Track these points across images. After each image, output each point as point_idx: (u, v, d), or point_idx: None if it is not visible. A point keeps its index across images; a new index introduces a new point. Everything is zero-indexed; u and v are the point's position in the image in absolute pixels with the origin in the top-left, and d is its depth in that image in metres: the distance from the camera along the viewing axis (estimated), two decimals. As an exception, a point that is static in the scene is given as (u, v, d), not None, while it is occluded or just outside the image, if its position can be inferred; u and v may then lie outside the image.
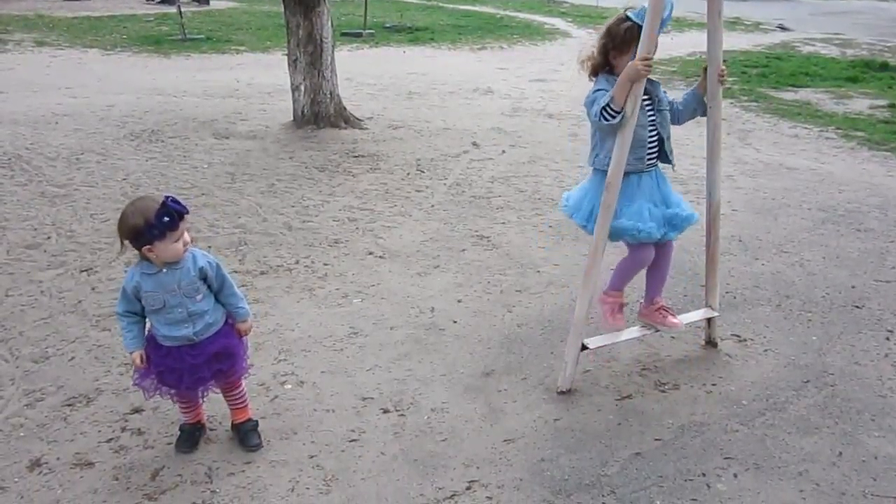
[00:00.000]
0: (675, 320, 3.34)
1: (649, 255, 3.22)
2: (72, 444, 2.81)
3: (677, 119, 3.20)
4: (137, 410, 2.99)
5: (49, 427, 2.91)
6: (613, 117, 2.85)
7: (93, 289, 4.03)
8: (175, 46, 13.04)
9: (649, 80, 2.98)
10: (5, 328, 3.61)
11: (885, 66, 12.08)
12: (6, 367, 3.29)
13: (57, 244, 4.58)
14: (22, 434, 2.87)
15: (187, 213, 2.44)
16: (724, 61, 3.10)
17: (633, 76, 2.78)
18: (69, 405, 3.05)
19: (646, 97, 2.99)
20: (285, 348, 3.51)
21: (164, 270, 2.47)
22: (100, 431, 2.87)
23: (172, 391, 2.67)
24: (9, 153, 6.30)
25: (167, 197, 2.39)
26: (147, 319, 2.58)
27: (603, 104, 2.86)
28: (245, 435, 2.80)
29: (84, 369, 3.28)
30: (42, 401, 3.07)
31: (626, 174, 2.99)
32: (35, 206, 5.16)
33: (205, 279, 2.56)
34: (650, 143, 3.07)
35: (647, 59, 2.75)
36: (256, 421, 2.86)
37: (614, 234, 3.08)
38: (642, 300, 3.49)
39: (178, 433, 2.80)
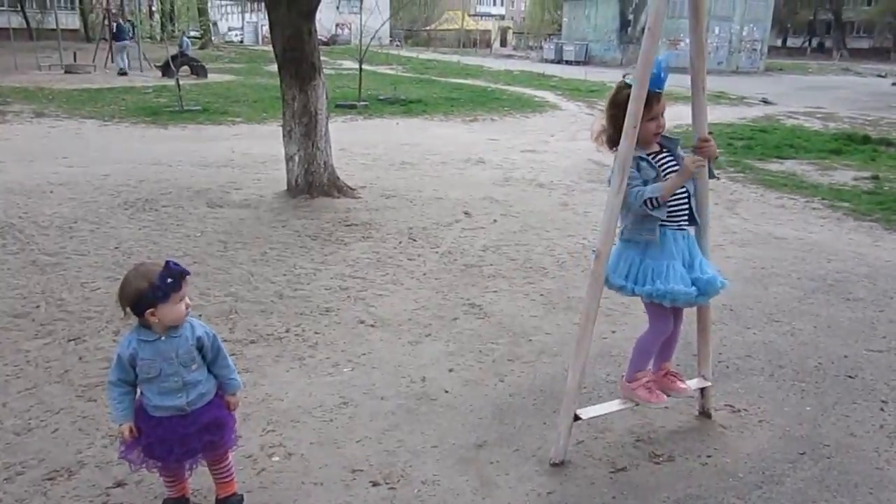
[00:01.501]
0: (683, 385, 3.32)
1: (670, 324, 3.22)
2: (51, 519, 2.73)
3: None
4: (120, 484, 2.92)
5: (28, 502, 2.83)
6: (657, 207, 2.97)
7: (80, 358, 3.98)
8: (172, 117, 13.28)
9: (666, 137, 3.07)
10: (-11, 399, 3.55)
11: (866, 139, 12.40)
12: (-13, 439, 3.22)
13: (46, 313, 4.55)
14: (0, 509, 2.78)
15: (188, 273, 2.47)
16: (710, 133, 3.17)
17: (686, 174, 2.99)
18: (50, 479, 2.96)
19: (667, 155, 3.06)
20: (274, 419, 3.45)
21: (163, 338, 2.47)
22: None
23: (159, 464, 2.61)
24: (1, 222, 6.32)
25: (168, 261, 2.43)
26: (137, 389, 2.54)
27: (649, 196, 2.95)
28: None
29: (67, 441, 3.21)
30: (22, 474, 2.99)
31: (664, 233, 3.03)
32: (25, 275, 5.15)
33: (201, 349, 2.55)
34: (682, 200, 3.09)
35: (699, 161, 3.00)
36: (242, 496, 2.79)
37: (657, 297, 3.02)
38: (623, 375, 3.43)
39: None
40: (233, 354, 3.99)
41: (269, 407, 3.55)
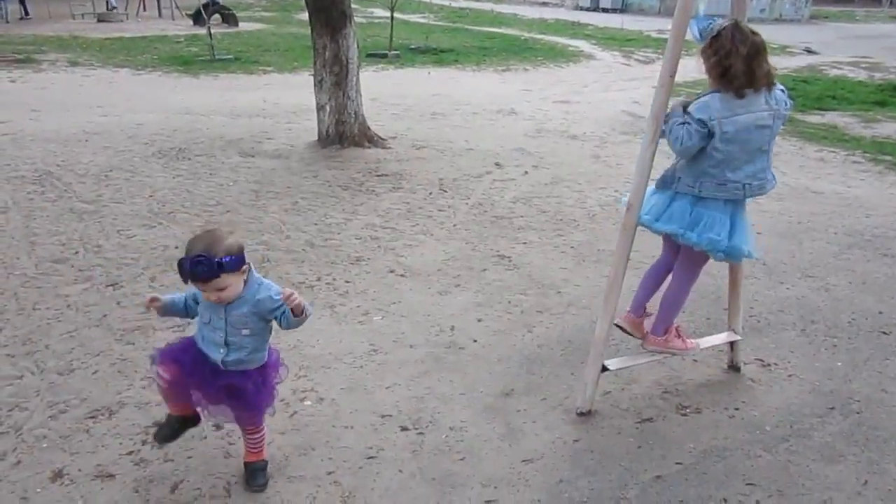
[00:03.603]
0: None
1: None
2: (93, 455, 2.84)
3: None
4: (159, 424, 3.01)
5: (72, 439, 2.94)
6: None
7: (118, 303, 4.09)
8: (204, 67, 13.28)
9: None
10: (32, 341, 3.67)
11: (913, 91, 11.96)
12: (32, 380, 3.34)
13: (84, 259, 4.66)
14: (45, 445, 2.90)
15: (203, 279, 2.33)
16: None
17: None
18: (92, 418, 3.08)
19: None
20: (305, 364, 3.52)
21: None
22: (121, 444, 2.90)
23: (168, 379, 2.55)
24: (40, 170, 6.43)
25: (193, 259, 2.31)
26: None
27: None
28: (252, 473, 2.70)
29: (107, 382, 3.32)
30: (66, 413, 3.11)
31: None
32: (64, 222, 5.26)
33: (259, 315, 2.49)
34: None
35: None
36: (266, 461, 2.74)
37: (709, 247, 3.01)
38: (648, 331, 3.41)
39: (162, 422, 2.73)
40: (265, 302, 4.07)
41: (300, 353, 3.62)
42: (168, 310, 2.61)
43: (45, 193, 5.83)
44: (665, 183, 3.06)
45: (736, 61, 2.80)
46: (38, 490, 2.66)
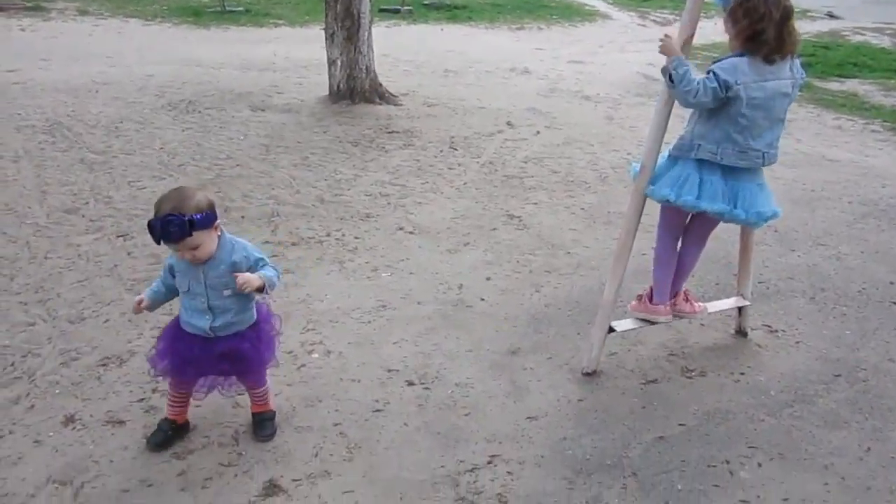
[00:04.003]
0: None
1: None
2: (104, 402, 2.89)
3: None
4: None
5: (83, 385, 2.99)
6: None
7: (128, 254, 4.11)
8: (214, 18, 13.12)
9: None
10: (44, 289, 3.70)
11: (936, 58, 11.71)
12: (44, 327, 3.38)
13: (95, 209, 4.67)
14: (57, 391, 2.95)
15: (175, 239, 2.28)
16: None
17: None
18: (103, 365, 3.12)
19: None
20: (314, 318, 3.55)
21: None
22: (131, 392, 2.94)
23: (171, 378, 2.60)
24: (51, 120, 6.41)
25: (162, 219, 2.25)
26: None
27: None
28: (259, 423, 2.72)
29: (118, 331, 3.36)
30: (77, 360, 3.15)
31: None
32: (75, 172, 5.26)
33: (238, 273, 2.43)
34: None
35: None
36: (274, 412, 2.76)
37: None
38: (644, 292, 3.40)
39: (155, 427, 2.67)
40: (274, 256, 4.10)
41: (309, 307, 3.65)
42: (156, 301, 2.55)
43: (55, 143, 5.83)
44: (682, 150, 3.00)
45: (768, 26, 2.74)
46: (51, 434, 2.70)
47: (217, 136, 6.26)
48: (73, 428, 2.74)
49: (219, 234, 2.44)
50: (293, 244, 4.34)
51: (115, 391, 2.95)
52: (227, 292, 2.46)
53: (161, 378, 2.69)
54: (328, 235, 4.48)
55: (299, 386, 3.03)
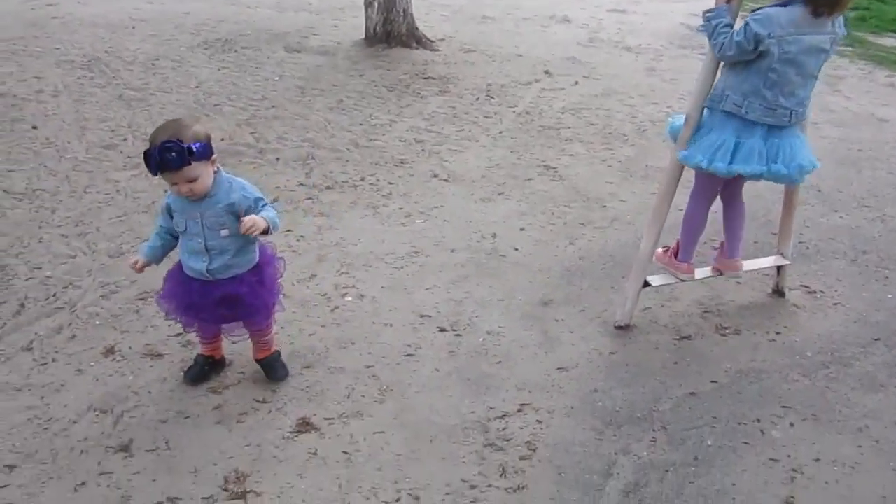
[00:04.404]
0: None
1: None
2: (143, 335, 2.95)
3: None
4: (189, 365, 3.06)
5: (122, 318, 3.05)
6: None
7: (165, 191, 4.10)
8: (251, -43, 12.92)
9: None
10: (84, 223, 3.76)
11: None
12: (84, 260, 3.44)
13: (133, 146, 4.70)
14: (98, 323, 3.02)
15: (173, 167, 2.22)
16: None
17: None
18: (141, 299, 3.18)
19: None
20: (347, 262, 3.56)
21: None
22: (169, 326, 2.98)
23: (183, 319, 2.59)
24: (89, 55, 6.42)
25: (160, 146, 2.20)
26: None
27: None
28: (269, 367, 2.70)
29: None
30: (116, 293, 3.21)
31: None
32: (113, 108, 5.29)
33: (235, 214, 2.40)
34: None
35: None
36: (278, 351, 2.75)
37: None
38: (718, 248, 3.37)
39: (192, 362, 2.71)
40: (308, 198, 4.12)
41: (342, 250, 3.66)
42: (155, 256, 2.52)
43: (94, 79, 5.85)
44: (713, 100, 2.88)
45: None
46: (92, 364, 2.78)
47: (253, 76, 6.22)
48: (113, 359, 2.81)
49: (215, 170, 2.38)
50: (328, 187, 4.34)
51: (153, 325, 3.01)
52: (224, 232, 2.41)
53: (172, 318, 2.65)
54: (362, 180, 4.47)
55: (332, 328, 3.06)
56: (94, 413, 2.54)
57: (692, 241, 3.20)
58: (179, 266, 2.53)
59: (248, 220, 2.34)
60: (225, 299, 2.47)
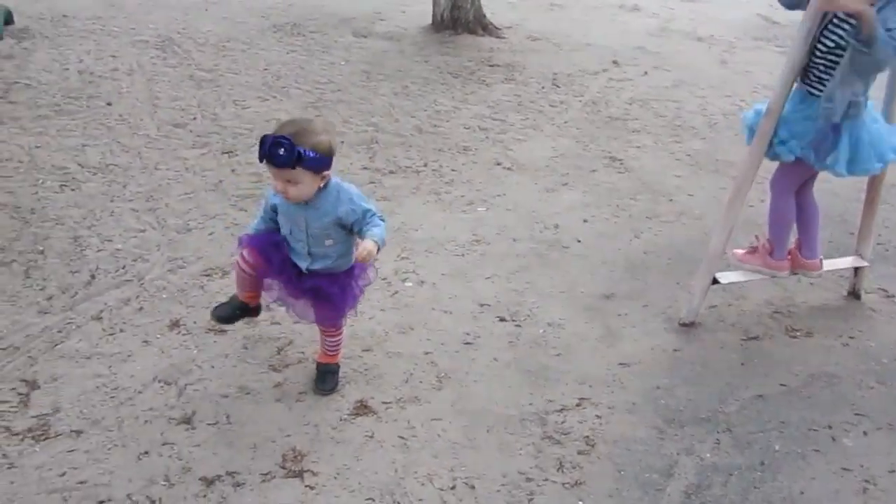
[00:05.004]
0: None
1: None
2: (207, 310, 2.97)
3: None
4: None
5: (188, 293, 3.12)
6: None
7: (232, 170, 4.21)
8: (320, -58, 13.02)
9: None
10: (153, 198, 3.85)
11: None
12: (154, 234, 3.52)
13: (202, 125, 4.79)
14: (164, 296, 3.09)
15: (278, 164, 2.17)
16: None
17: None
18: (207, 275, 3.24)
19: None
20: (408, 247, 3.56)
21: (301, 204, 2.32)
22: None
23: (250, 268, 2.45)
24: (162, 36, 6.57)
25: (275, 137, 2.17)
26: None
27: None
28: (322, 376, 2.63)
29: (221, 244, 3.46)
30: (183, 268, 3.28)
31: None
32: (183, 88, 5.39)
33: (341, 226, 2.37)
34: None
35: None
36: (339, 365, 2.67)
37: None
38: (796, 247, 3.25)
39: (225, 300, 2.65)
40: (371, 182, 4.12)
41: (404, 235, 3.66)
42: (262, 234, 2.47)
43: (166, 59, 5.97)
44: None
45: None
46: (159, 336, 2.84)
47: (320, 59, 6.27)
48: (178, 332, 2.87)
49: (323, 182, 2.31)
50: (390, 172, 4.34)
51: (218, 301, 3.03)
52: (328, 242, 2.38)
53: (245, 252, 2.46)
54: (425, 166, 4.46)
55: (392, 312, 3.06)
56: (158, 384, 2.60)
57: (787, 235, 3.11)
58: (285, 239, 2.46)
59: (363, 251, 2.26)
60: (316, 290, 2.45)
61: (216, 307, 2.65)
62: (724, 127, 5.38)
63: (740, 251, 3.16)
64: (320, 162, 2.24)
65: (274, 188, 2.32)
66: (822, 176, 3.09)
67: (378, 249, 2.31)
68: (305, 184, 2.25)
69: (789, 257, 3.16)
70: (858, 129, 2.79)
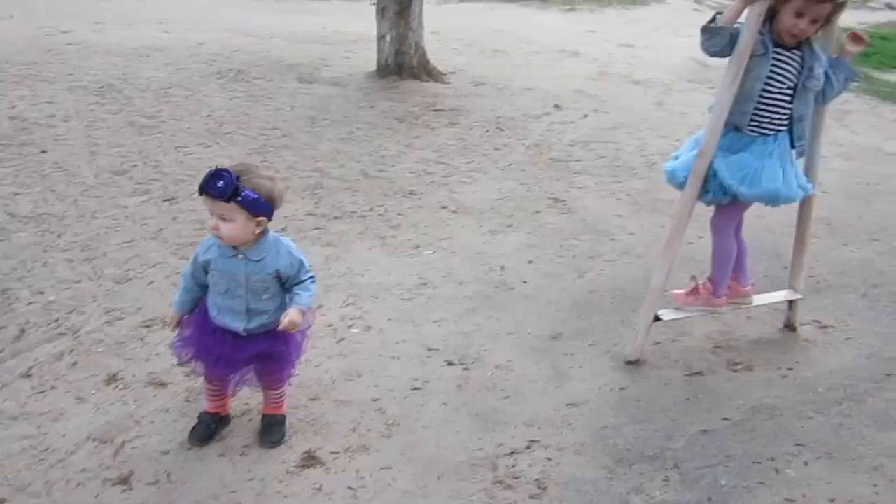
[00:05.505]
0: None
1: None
2: (147, 363, 2.92)
3: (826, 98, 2.99)
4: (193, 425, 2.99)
5: (126, 345, 3.03)
6: (707, 32, 2.75)
7: (174, 218, 4.14)
8: (265, -11, 13.11)
9: (810, 48, 2.81)
10: (91, 248, 3.75)
11: None
12: (90, 285, 3.43)
13: (142, 172, 4.71)
14: (101, 349, 2.99)
15: (212, 195, 2.17)
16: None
17: None
18: (146, 326, 3.15)
19: (795, 59, 2.81)
20: (354, 293, 3.53)
21: (240, 256, 2.30)
22: (172, 355, 2.94)
23: (204, 370, 2.48)
24: (102, 82, 6.49)
25: (217, 169, 2.18)
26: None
27: (709, 18, 2.74)
28: (268, 427, 2.56)
29: (162, 294, 3.38)
30: (122, 320, 3.19)
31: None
32: (124, 135, 5.32)
33: (279, 279, 2.36)
34: (783, 108, 2.88)
35: None
36: (285, 416, 2.61)
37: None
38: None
39: (196, 422, 2.56)
40: (316, 228, 4.11)
41: (350, 281, 3.64)
42: (187, 307, 2.44)
43: (106, 106, 5.89)
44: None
45: None
46: (94, 392, 2.74)
47: (265, 105, 6.27)
48: (116, 387, 2.78)
49: (261, 232, 2.30)
50: (336, 217, 4.33)
51: (158, 353, 2.97)
52: (265, 296, 2.35)
53: (187, 367, 2.53)
54: (371, 210, 4.46)
55: (339, 359, 3.02)
56: (93, 443, 2.50)
57: (728, 272, 3.19)
58: (205, 312, 2.43)
59: (288, 322, 2.27)
60: (259, 355, 2.40)
61: (192, 431, 2.54)
62: (662, 167, 5.53)
63: (681, 293, 3.23)
64: (256, 203, 2.21)
65: (209, 226, 2.29)
66: (757, 212, 3.20)
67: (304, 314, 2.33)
68: (238, 223, 2.22)
69: (728, 291, 3.25)
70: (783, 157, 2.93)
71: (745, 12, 2.67)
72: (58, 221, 3.99)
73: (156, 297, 3.35)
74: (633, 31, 11.88)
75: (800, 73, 2.81)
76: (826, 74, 2.87)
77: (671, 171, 3.11)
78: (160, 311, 3.24)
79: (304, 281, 2.37)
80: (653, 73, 8.75)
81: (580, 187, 5.04)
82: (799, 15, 2.68)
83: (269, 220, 2.30)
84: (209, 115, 5.89)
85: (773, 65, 2.78)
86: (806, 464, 2.58)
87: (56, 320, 3.14)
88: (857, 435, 2.74)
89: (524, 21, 12.28)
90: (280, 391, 2.58)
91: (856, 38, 2.89)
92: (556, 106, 6.98)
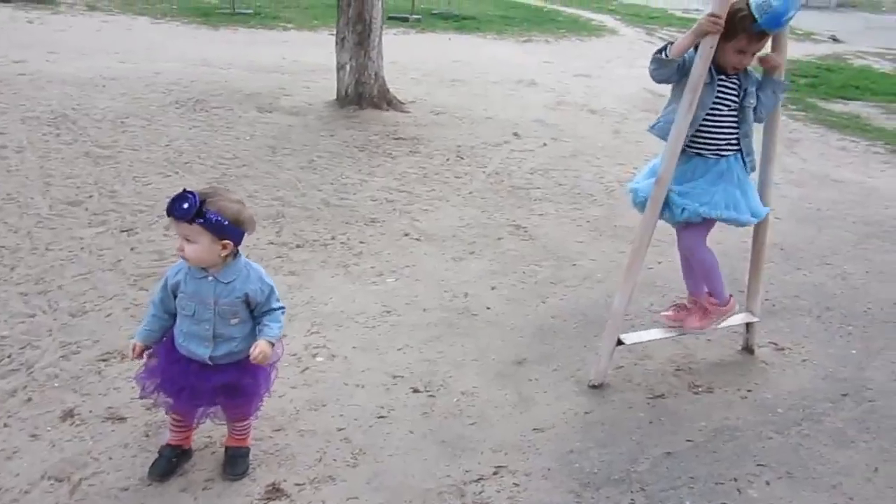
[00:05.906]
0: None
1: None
2: (105, 398, 2.84)
3: (759, 115, 3.11)
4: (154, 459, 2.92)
5: (83, 379, 2.95)
6: (656, 62, 2.87)
7: (132, 249, 4.07)
8: (224, 19, 13.12)
9: (746, 73, 2.97)
10: (45, 281, 3.66)
11: (940, 85, 11.74)
12: (44, 319, 3.34)
13: (99, 203, 4.63)
14: (56, 385, 2.91)
15: (181, 218, 2.18)
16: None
17: (698, 31, 2.76)
18: (104, 360, 3.08)
19: (735, 86, 2.96)
20: (318, 321, 3.51)
21: (210, 279, 2.29)
22: (132, 388, 2.85)
23: (170, 401, 2.42)
24: (56, 112, 6.39)
25: (184, 191, 2.20)
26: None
27: (658, 48, 2.86)
28: (232, 460, 2.51)
29: (120, 326, 3.31)
30: (78, 354, 3.11)
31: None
32: (79, 165, 5.23)
33: (248, 304, 2.34)
34: (731, 129, 3.01)
35: (715, 17, 2.71)
36: (249, 448, 2.56)
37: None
38: (683, 299, 3.42)
39: (156, 456, 2.48)
40: (279, 257, 4.07)
41: (313, 310, 3.61)
42: (153, 337, 2.40)
43: (60, 136, 5.80)
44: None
45: None
46: (49, 429, 2.66)
47: (224, 135, 6.23)
48: (72, 423, 2.70)
49: (231, 253, 2.30)
50: (298, 246, 4.31)
51: (116, 387, 2.90)
52: (234, 321, 2.33)
53: (150, 399, 2.47)
54: (333, 239, 4.45)
55: (303, 389, 2.99)
56: (48, 482, 2.42)
57: (720, 279, 3.27)
58: (171, 343, 2.39)
59: (258, 354, 2.26)
60: (227, 387, 2.36)
61: (152, 466, 2.46)
62: (620, 193, 5.64)
63: (693, 319, 3.26)
64: (221, 226, 2.21)
65: (176, 248, 2.30)
66: (715, 237, 3.28)
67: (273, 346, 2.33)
68: (202, 245, 2.22)
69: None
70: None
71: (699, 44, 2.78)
72: (10, 255, 3.89)
73: (113, 330, 3.28)
74: (587, 62, 12.17)
75: (738, 95, 2.98)
76: (756, 93, 3.03)
77: (634, 191, 3.19)
78: (118, 343, 3.17)
79: (274, 310, 2.37)
80: (608, 102, 8.96)
81: (541, 214, 5.11)
82: (741, 52, 2.86)
83: (238, 243, 2.30)
84: (167, 145, 5.83)
85: (719, 92, 2.94)
86: (767, 483, 2.62)
87: (9, 356, 3.05)
88: (816, 454, 2.80)
89: (481, 51, 12.48)
90: (246, 423, 2.54)
91: (763, 60, 3.04)
92: (516, 134, 7.09)
